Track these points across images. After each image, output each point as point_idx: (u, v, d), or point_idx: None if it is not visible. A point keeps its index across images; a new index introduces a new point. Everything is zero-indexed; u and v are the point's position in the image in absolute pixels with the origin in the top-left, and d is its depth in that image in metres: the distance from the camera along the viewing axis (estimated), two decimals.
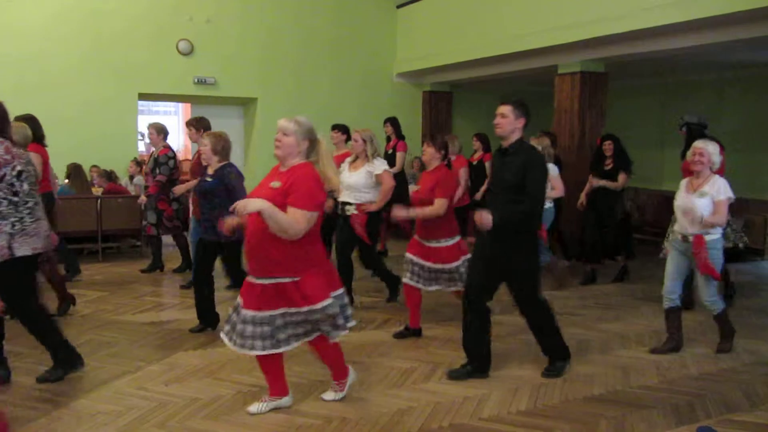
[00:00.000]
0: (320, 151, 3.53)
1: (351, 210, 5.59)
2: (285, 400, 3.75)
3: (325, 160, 3.53)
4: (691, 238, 4.61)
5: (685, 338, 4.96)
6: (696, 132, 6.14)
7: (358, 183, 5.56)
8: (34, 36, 9.26)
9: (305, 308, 3.40)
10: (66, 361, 4.15)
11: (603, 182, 6.83)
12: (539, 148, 6.30)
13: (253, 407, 3.68)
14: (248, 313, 3.43)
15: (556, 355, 4.42)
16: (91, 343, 4.88)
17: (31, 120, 6.07)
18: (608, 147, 6.95)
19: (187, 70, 10.16)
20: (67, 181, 8.32)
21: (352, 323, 3.64)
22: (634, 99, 11.20)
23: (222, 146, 4.98)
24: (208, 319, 5.23)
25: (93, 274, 7.18)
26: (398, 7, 11.54)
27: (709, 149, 4.64)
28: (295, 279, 3.39)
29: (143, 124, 9.69)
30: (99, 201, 7.88)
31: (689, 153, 4.80)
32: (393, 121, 8.81)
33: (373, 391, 4.04)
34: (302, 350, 4.75)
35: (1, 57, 9.05)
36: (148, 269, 7.36)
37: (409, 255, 5.03)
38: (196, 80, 10.22)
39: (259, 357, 3.56)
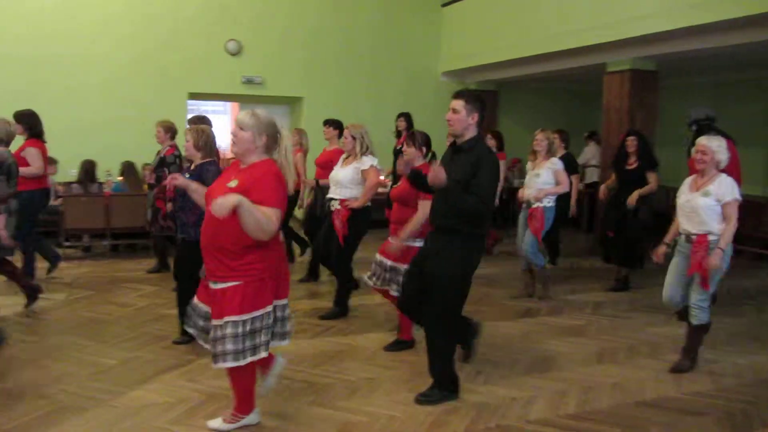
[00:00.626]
0: (280, 147, 3.26)
1: (335, 205, 5.42)
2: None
3: (283, 159, 3.25)
4: (693, 238, 4.31)
5: (738, 343, 4.83)
6: (705, 128, 5.93)
7: (344, 179, 5.40)
8: (86, 39, 9.55)
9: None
10: None
11: (635, 195, 6.37)
12: (545, 141, 6.23)
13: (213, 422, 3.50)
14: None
15: (439, 382, 3.89)
16: (145, 335, 5.01)
17: (29, 116, 6.24)
18: (631, 143, 6.53)
19: (235, 70, 10.34)
20: (120, 178, 8.56)
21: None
22: (687, 98, 10.93)
23: (204, 141, 4.68)
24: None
25: (145, 269, 7.36)
26: (443, 5, 11.51)
27: (712, 146, 4.32)
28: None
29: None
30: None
31: (694, 150, 4.54)
32: (407, 116, 8.59)
33: (419, 389, 4.03)
34: (341, 351, 4.80)
35: (54, 59, 9.36)
36: (155, 269, 7.29)
37: (380, 258, 4.69)
38: (244, 80, 10.40)
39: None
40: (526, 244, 6.20)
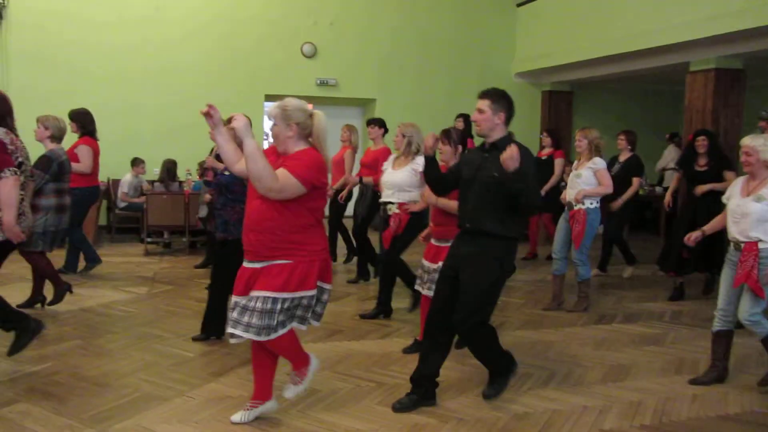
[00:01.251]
0: (314, 130, 3.24)
1: (393, 209, 5.28)
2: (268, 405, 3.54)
3: (315, 141, 3.25)
4: (742, 246, 3.97)
5: None
6: None
7: (402, 182, 5.22)
8: (175, 50, 9.97)
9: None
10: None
11: (707, 187, 6.04)
12: (586, 141, 5.93)
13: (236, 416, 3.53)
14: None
15: (497, 370, 3.90)
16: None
17: (83, 114, 6.50)
18: (702, 143, 6.17)
19: (310, 72, 10.56)
20: (199, 178, 8.87)
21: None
22: None
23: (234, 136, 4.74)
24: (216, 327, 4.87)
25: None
26: (518, 5, 11.36)
27: (757, 145, 3.96)
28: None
29: (268, 124, 10.13)
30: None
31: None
32: (466, 117, 8.10)
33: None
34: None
35: (143, 70, 9.80)
36: (201, 265, 7.45)
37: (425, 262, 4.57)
38: (318, 81, 10.59)
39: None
40: (574, 253, 5.91)
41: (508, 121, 3.67)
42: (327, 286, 3.38)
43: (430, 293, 4.23)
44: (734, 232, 4.04)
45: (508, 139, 3.63)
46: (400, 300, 5.79)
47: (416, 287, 4.65)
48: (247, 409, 3.53)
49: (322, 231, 3.32)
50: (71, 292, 5.66)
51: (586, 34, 9.55)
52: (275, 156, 3.29)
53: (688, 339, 5.27)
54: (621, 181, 7.06)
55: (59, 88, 9.18)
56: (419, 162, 5.03)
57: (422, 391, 3.76)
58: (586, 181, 5.85)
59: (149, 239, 8.49)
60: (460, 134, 4.55)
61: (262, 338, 3.22)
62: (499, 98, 3.63)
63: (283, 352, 3.44)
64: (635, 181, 7.09)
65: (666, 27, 7.99)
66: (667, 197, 6.76)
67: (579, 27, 9.75)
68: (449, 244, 4.01)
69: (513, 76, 11.54)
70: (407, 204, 5.19)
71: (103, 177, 9.29)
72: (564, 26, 10.15)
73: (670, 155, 10.27)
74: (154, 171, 9.37)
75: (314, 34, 10.55)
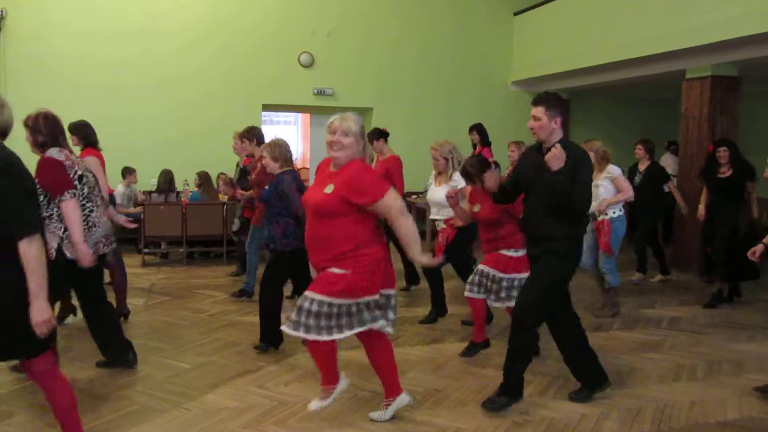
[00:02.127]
0: (365, 146, 3.50)
1: (440, 225, 5.53)
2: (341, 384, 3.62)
3: (366, 157, 3.56)
4: None
5: None
6: None
7: (442, 199, 5.20)
8: (172, 61, 9.98)
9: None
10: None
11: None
12: (592, 153, 5.65)
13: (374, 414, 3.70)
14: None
15: (591, 380, 4.06)
16: (218, 341, 5.17)
17: (83, 126, 6.45)
18: (723, 155, 6.36)
19: (307, 82, 10.59)
20: (197, 188, 8.88)
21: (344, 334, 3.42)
22: None
23: (279, 152, 4.87)
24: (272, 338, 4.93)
25: (218, 276, 7.60)
26: (515, 14, 11.41)
27: None
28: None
29: (266, 134, 10.15)
30: (225, 207, 8.34)
31: None
32: (479, 128, 8.26)
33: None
34: (421, 358, 4.79)
35: (141, 82, 9.80)
36: (235, 274, 7.56)
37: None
38: (315, 91, 10.62)
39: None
40: (601, 262, 5.98)
41: (563, 123, 3.77)
42: (390, 292, 3.47)
43: (479, 296, 4.73)
44: None
45: (563, 141, 3.72)
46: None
47: (466, 292, 4.83)
48: (386, 407, 3.66)
49: (376, 239, 3.41)
50: (75, 315, 5.52)
51: (583, 43, 9.59)
52: (328, 175, 3.43)
53: (686, 345, 5.26)
54: (644, 190, 7.17)
55: (56, 100, 9.14)
56: (456, 179, 5.25)
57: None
58: (605, 191, 5.88)
59: (146, 250, 8.48)
60: (477, 164, 4.72)
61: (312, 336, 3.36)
62: (554, 103, 3.71)
63: (318, 360, 3.53)
64: (671, 186, 7.34)
65: (662, 35, 8.02)
66: (701, 210, 6.72)
67: (575, 35, 9.79)
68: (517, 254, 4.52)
69: (509, 85, 11.59)
70: (452, 219, 5.30)
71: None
72: (561, 35, 10.19)
73: (667, 163, 10.28)
74: (151, 182, 9.37)
75: (311, 43, 10.59)
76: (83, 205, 3.99)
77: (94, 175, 4.24)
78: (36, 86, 9.24)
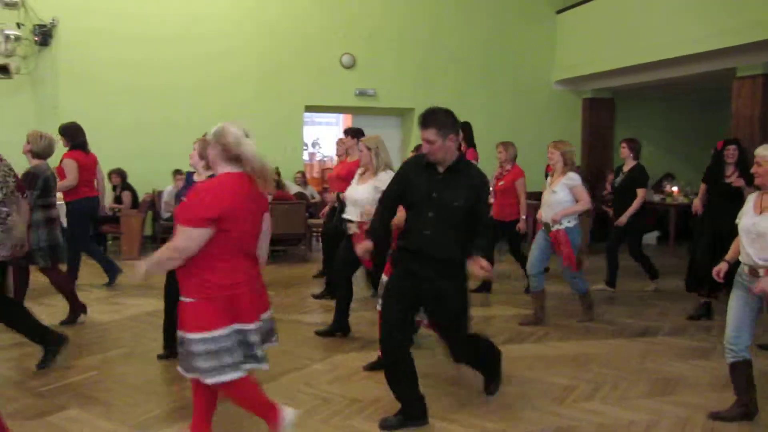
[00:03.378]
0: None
1: (353, 228, 4.97)
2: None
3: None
4: (762, 272, 3.53)
5: None
6: None
7: (362, 198, 4.87)
8: (216, 64, 10.05)
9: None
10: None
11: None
12: (558, 153, 5.54)
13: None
14: None
15: (493, 374, 3.99)
16: None
17: (69, 128, 6.46)
18: (731, 153, 5.84)
19: (349, 83, 10.62)
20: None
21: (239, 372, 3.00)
22: None
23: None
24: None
25: (263, 275, 7.67)
26: (558, 12, 11.27)
27: (767, 155, 3.59)
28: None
29: (308, 135, 10.23)
30: (270, 207, 8.42)
31: None
32: (464, 126, 7.24)
33: (533, 406, 3.95)
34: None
35: (185, 85, 9.89)
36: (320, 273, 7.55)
37: None
38: (357, 92, 10.65)
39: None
40: (564, 272, 5.74)
41: (457, 137, 3.54)
42: (247, 326, 3.02)
43: None
44: (751, 254, 3.59)
45: (464, 161, 3.63)
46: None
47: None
48: None
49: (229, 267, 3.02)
50: (85, 313, 5.63)
51: (628, 40, 9.41)
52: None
53: None
54: (626, 191, 6.82)
55: (102, 104, 9.41)
56: (382, 179, 4.70)
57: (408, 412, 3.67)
58: (562, 198, 5.53)
59: None
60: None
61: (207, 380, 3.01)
62: (443, 120, 3.46)
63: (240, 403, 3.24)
64: (640, 192, 6.74)
65: (711, 32, 7.82)
66: (696, 203, 6.32)
67: (621, 33, 9.61)
68: None
69: (552, 84, 11.44)
70: (368, 223, 4.28)
71: (147, 189, 9.52)
72: (605, 32, 10.02)
73: None
74: None
75: (353, 45, 10.63)
76: None
77: (16, 179, 4.36)
78: (84, 90, 9.45)
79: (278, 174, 9.50)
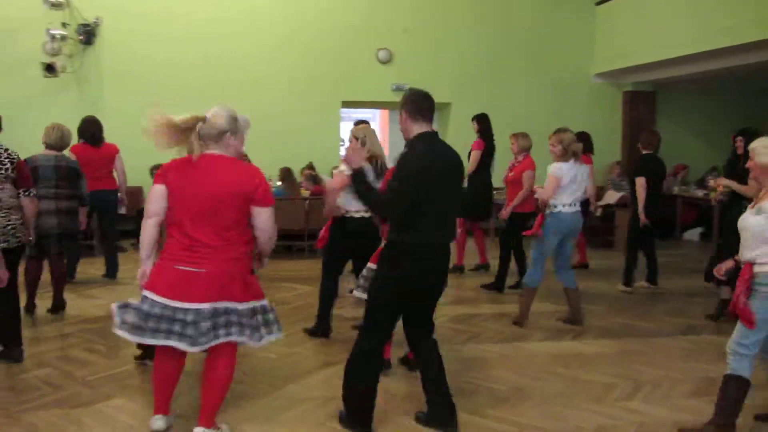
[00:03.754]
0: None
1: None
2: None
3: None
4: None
5: None
6: None
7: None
8: (257, 62, 10.16)
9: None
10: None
11: (726, 182, 5.62)
12: (561, 146, 5.35)
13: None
14: None
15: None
16: (301, 333, 5.28)
17: (82, 122, 6.58)
18: (739, 145, 5.72)
19: (385, 78, 10.63)
20: (280, 183, 9.11)
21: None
22: None
23: None
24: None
25: (301, 269, 7.76)
26: (597, 4, 11.08)
27: (756, 147, 3.39)
28: None
29: (345, 131, 10.24)
30: (307, 202, 8.52)
31: None
32: (480, 118, 7.51)
33: (572, 404, 3.92)
34: (486, 359, 4.75)
35: (225, 84, 9.97)
36: None
37: None
38: (393, 87, 10.64)
39: None
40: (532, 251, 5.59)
41: (411, 116, 3.55)
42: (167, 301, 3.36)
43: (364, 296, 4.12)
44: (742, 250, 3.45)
45: (408, 142, 3.52)
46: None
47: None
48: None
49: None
50: (31, 312, 5.55)
51: (670, 31, 9.21)
52: None
53: None
54: (631, 184, 6.85)
55: (145, 102, 9.53)
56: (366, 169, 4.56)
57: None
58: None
59: None
60: None
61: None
62: (404, 100, 3.62)
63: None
64: (637, 180, 6.58)
65: (759, 20, 7.58)
66: (716, 195, 6.20)
67: (662, 23, 9.41)
68: None
69: (592, 77, 11.27)
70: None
71: None
72: (646, 23, 9.82)
73: None
74: None
75: (389, 39, 10.63)
76: None
77: (16, 171, 4.39)
78: (127, 89, 9.63)
79: (313, 168, 9.59)
